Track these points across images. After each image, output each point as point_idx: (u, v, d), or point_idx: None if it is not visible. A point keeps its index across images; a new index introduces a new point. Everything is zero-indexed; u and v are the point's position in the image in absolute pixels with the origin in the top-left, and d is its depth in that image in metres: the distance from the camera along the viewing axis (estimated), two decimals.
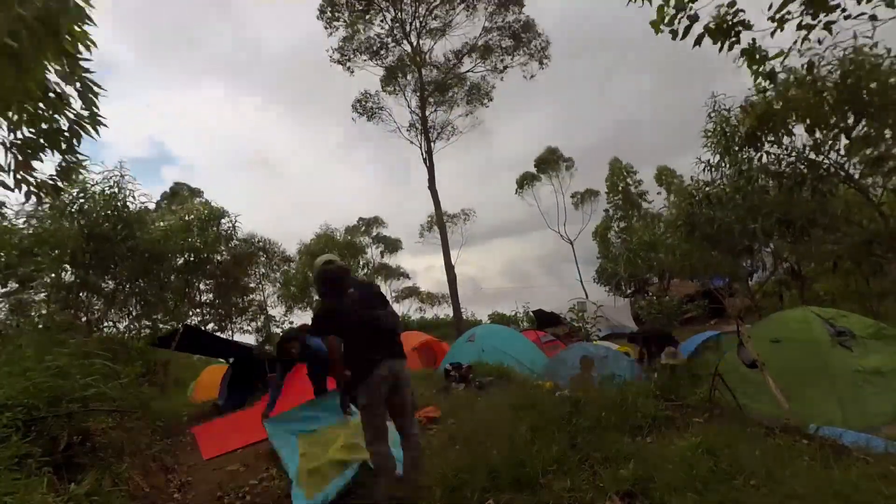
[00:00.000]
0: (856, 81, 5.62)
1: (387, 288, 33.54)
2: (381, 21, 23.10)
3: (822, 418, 3.82)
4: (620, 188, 29.28)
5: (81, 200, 7.64)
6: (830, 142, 6.53)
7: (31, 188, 3.26)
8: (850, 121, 6.08)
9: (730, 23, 3.41)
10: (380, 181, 63.21)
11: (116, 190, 7.91)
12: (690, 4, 3.38)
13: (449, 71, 24.22)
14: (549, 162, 31.56)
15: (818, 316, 4.78)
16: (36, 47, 2.38)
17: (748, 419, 4.02)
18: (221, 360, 9.12)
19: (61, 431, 3.40)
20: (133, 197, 8.10)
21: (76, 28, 2.77)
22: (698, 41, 3.48)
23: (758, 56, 3.58)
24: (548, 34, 23.76)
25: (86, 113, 3.15)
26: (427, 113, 24.10)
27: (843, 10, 3.22)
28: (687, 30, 3.44)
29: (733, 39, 3.45)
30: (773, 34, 3.38)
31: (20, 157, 3.11)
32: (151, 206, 8.72)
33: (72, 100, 3.10)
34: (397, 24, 23.13)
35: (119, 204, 7.91)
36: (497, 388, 6.65)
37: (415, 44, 23.55)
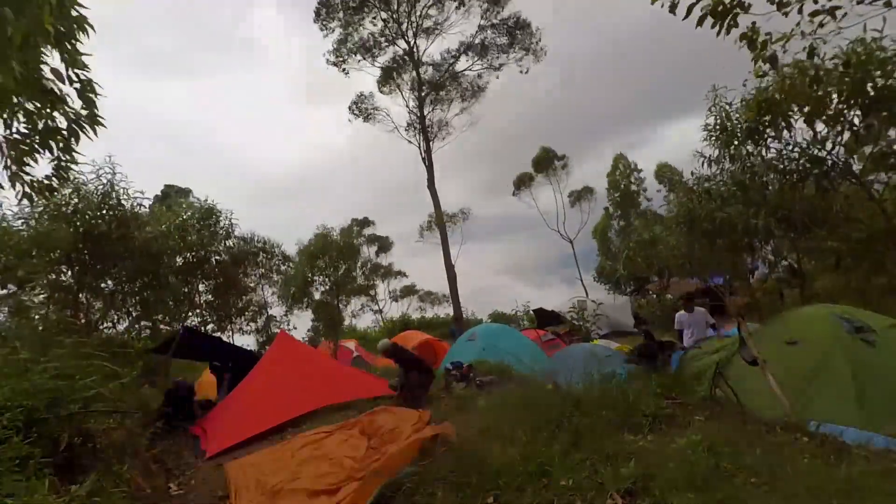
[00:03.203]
0: (863, 74, 5.51)
1: (385, 287, 33.81)
2: (374, 19, 23.19)
3: (842, 418, 3.70)
4: (622, 185, 29.39)
5: (75, 200, 7.57)
6: (836, 136, 6.42)
7: (25, 187, 3.23)
8: (856, 115, 5.97)
9: (727, 5, 3.38)
10: (379, 180, 63.08)
11: (110, 188, 7.82)
12: None
13: (446, 70, 24.26)
14: (544, 162, 31.66)
15: (832, 313, 4.71)
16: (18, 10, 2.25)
17: (749, 417, 4.02)
18: (217, 364, 9.10)
19: (62, 432, 3.40)
20: (127, 194, 8.03)
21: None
22: (700, 22, 3.45)
23: (759, 41, 3.53)
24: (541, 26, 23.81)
25: (84, 112, 3.13)
26: (425, 112, 24.16)
27: None
28: (690, 9, 3.41)
29: (731, 23, 3.42)
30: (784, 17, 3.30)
31: (14, 154, 3.09)
32: (146, 203, 8.61)
33: (69, 99, 3.07)
34: (392, 23, 23.19)
35: (113, 202, 7.84)
36: (498, 386, 6.66)
37: (411, 42, 23.62)
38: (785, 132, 6.99)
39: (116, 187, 7.88)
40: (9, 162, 3.09)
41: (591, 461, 3.29)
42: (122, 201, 7.98)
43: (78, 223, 7.44)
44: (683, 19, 3.45)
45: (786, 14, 3.31)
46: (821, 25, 3.33)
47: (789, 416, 3.80)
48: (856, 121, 6.08)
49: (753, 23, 3.49)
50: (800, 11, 3.29)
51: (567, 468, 3.19)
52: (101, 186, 7.78)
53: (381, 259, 33.88)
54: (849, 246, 7.30)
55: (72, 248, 7.38)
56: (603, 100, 60.37)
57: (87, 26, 2.86)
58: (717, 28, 3.44)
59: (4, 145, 3.06)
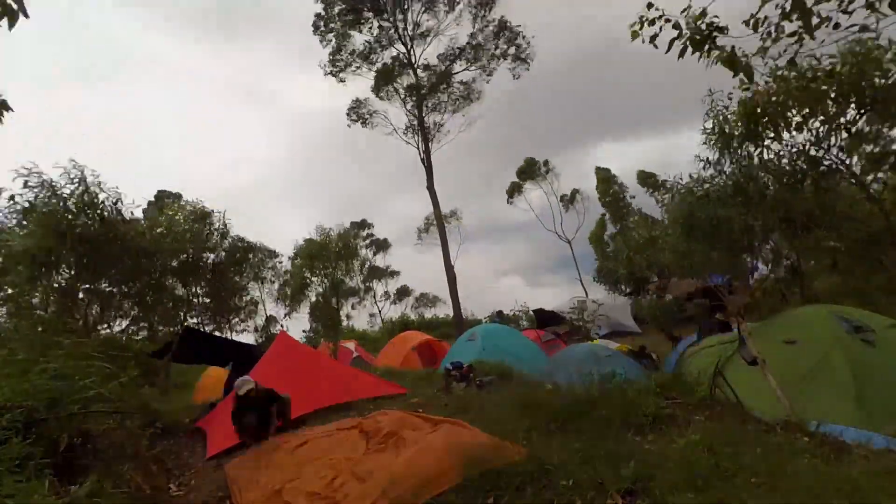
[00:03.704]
0: (858, 74, 5.56)
1: (383, 287, 33.94)
2: (370, 28, 23.54)
3: (842, 418, 3.72)
4: (610, 193, 29.91)
5: (54, 201, 7.38)
6: (832, 137, 6.47)
7: None
8: (853, 115, 6.02)
9: (704, 32, 3.44)
10: (380, 181, 63.15)
11: (84, 188, 7.62)
12: (664, 19, 3.44)
13: (441, 74, 24.43)
14: (530, 171, 32.08)
15: (832, 313, 4.72)
16: None
17: (749, 417, 4.02)
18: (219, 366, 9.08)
19: (61, 433, 3.40)
20: (103, 190, 7.84)
21: None
22: (681, 54, 3.52)
23: (738, 64, 3.59)
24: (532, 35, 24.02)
25: None
26: (423, 114, 24.28)
27: (829, 20, 3.24)
28: (671, 43, 3.48)
29: (711, 46, 3.48)
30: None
31: None
32: (124, 199, 8.42)
33: None
34: (384, 31, 23.53)
35: (88, 200, 7.63)
36: (498, 387, 6.66)
37: (408, 46, 23.85)
38: (784, 133, 7.02)
39: (91, 187, 7.68)
40: None
41: (592, 461, 3.29)
42: (103, 200, 7.79)
43: (61, 225, 7.29)
44: (666, 52, 3.51)
45: (755, 31, 3.38)
46: (800, 44, 3.38)
47: (790, 416, 3.80)
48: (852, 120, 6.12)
49: (732, 47, 3.54)
50: (777, 31, 3.35)
51: (567, 468, 3.19)
52: (72, 187, 7.58)
53: (379, 260, 34.07)
54: (848, 246, 7.31)
55: (61, 250, 7.31)
56: (587, 104, 60.58)
57: None
58: (699, 56, 3.51)
59: None
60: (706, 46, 3.49)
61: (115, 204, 8.07)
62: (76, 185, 7.61)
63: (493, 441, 3.69)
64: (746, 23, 3.38)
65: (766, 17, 3.34)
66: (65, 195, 7.54)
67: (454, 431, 4.04)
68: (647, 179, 28.53)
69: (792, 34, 3.37)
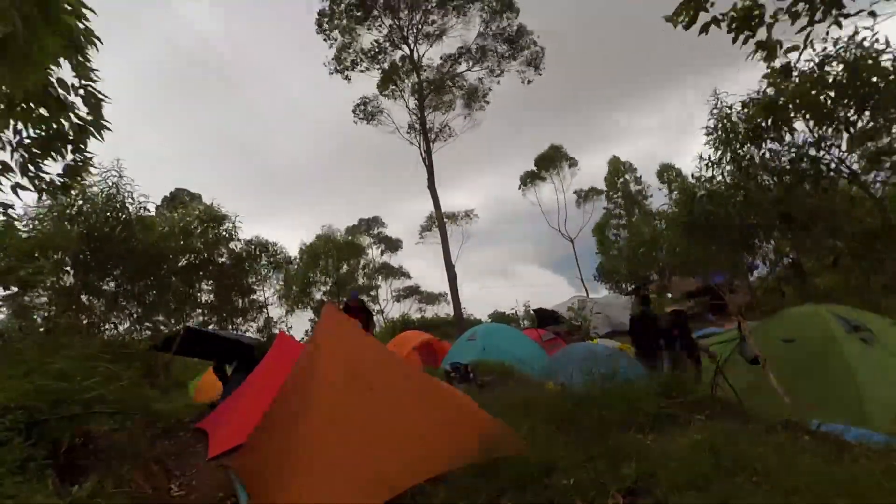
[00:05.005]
0: (858, 75, 5.59)
1: (388, 287, 33.91)
2: (379, 26, 23.40)
3: (842, 416, 3.72)
4: (619, 185, 29.51)
5: (80, 202, 7.64)
6: (831, 139, 6.51)
7: (44, 185, 3.35)
8: (852, 114, 6.05)
9: (754, 16, 3.42)
10: (382, 180, 63.24)
11: (115, 191, 7.93)
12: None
13: (445, 74, 24.39)
14: (552, 159, 31.59)
15: (830, 312, 4.73)
16: (33, 34, 2.41)
17: (750, 416, 4.02)
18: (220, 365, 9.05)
19: (63, 434, 3.41)
20: (132, 198, 8.15)
21: (77, 23, 2.81)
22: (705, 29, 3.48)
23: (776, 49, 3.56)
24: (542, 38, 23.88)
25: (90, 118, 3.25)
26: (426, 114, 24.28)
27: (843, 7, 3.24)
28: (693, 18, 3.44)
29: (749, 34, 3.46)
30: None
31: (27, 157, 3.19)
32: (151, 207, 8.71)
33: (76, 105, 3.20)
34: (395, 30, 23.36)
35: (118, 205, 7.94)
36: (498, 386, 6.66)
37: (412, 47, 23.79)
38: (787, 135, 7.06)
39: (122, 190, 7.98)
40: (24, 161, 3.19)
41: (592, 460, 3.29)
42: (127, 204, 8.07)
43: (81, 225, 7.51)
44: (688, 27, 3.47)
45: (793, 23, 3.37)
46: (826, 36, 3.40)
47: (791, 415, 3.80)
48: (852, 119, 6.15)
49: (769, 25, 3.51)
50: (811, 23, 3.33)
51: (568, 467, 3.19)
52: (105, 189, 7.87)
53: (389, 259, 34.01)
54: (848, 244, 7.33)
55: (75, 249, 7.42)
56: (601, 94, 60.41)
57: (94, 39, 2.97)
58: (733, 36, 3.48)
59: (18, 149, 3.16)
60: (747, 31, 3.47)
61: (139, 210, 8.25)
62: (109, 187, 7.81)
63: (501, 426, 3.67)
64: (787, 11, 3.37)
65: (803, 7, 3.32)
66: (93, 196, 7.70)
67: (466, 409, 3.98)
68: (665, 175, 27.79)
69: (817, 22, 3.36)
